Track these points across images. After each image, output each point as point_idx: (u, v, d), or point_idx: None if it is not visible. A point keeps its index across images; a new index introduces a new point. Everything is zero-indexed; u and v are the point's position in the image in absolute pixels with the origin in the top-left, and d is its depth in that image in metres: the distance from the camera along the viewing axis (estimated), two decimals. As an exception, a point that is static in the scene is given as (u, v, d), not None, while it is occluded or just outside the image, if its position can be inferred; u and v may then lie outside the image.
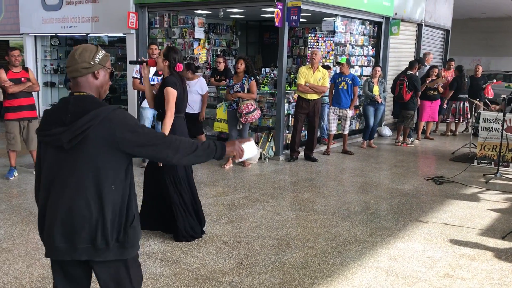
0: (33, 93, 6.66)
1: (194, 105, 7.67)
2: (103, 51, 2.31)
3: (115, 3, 9.94)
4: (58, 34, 11.96)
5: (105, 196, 2.16)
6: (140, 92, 7.48)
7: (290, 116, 8.55)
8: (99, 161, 2.15)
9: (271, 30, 13.82)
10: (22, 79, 6.43)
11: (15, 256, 4.11)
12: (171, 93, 4.43)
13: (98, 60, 2.26)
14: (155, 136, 2.22)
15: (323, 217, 5.30)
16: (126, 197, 2.23)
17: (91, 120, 2.11)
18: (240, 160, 2.50)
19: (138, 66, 7.25)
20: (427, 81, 10.01)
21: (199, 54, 9.78)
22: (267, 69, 10.19)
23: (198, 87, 7.63)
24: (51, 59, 12.60)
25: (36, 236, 4.54)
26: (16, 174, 6.67)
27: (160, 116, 4.62)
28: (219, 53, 11.72)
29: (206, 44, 10.19)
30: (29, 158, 7.31)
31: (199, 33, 9.67)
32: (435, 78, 10.13)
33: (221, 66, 9.33)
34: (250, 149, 2.51)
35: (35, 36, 12.25)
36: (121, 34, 10.82)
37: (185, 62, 7.71)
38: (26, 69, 6.59)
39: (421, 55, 12.10)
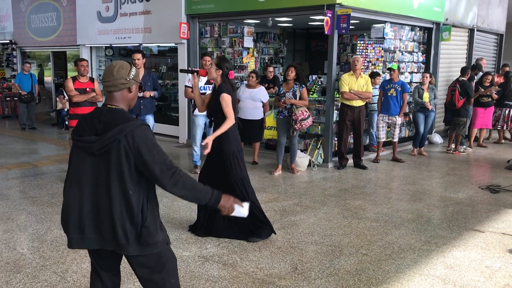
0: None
1: (256, 112, 7.88)
2: (135, 68, 2.60)
3: (167, 14, 10.29)
4: (113, 45, 12.47)
5: (125, 199, 2.45)
6: (192, 101, 7.69)
7: (338, 123, 8.57)
8: (121, 168, 2.42)
9: (318, 37, 13.88)
10: (88, 89, 6.80)
11: (81, 256, 4.34)
12: (228, 99, 4.63)
13: (132, 76, 2.56)
14: (163, 162, 2.44)
15: (375, 225, 5.29)
16: (141, 202, 2.49)
17: (118, 133, 2.40)
18: (225, 214, 2.67)
19: (190, 75, 7.50)
20: (480, 91, 9.80)
21: (248, 62, 9.95)
22: (314, 76, 10.25)
23: (261, 95, 7.86)
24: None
25: (99, 238, 4.78)
26: (77, 178, 7.02)
27: (212, 123, 4.82)
28: (266, 61, 11.87)
29: (254, 52, 10.36)
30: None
31: (248, 42, 9.85)
32: (488, 84, 9.90)
33: (270, 75, 9.49)
34: (240, 211, 2.69)
35: (91, 47, 12.83)
36: (172, 44, 11.17)
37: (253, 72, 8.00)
38: (92, 80, 6.97)
39: (473, 61, 11.82)
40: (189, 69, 4.75)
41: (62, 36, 13.46)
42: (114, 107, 2.53)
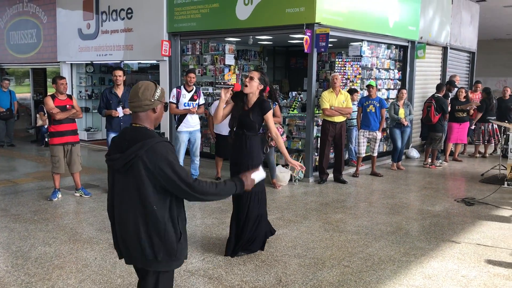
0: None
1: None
2: (160, 87, 2.69)
3: (149, 32, 10.41)
4: (94, 62, 12.51)
5: (149, 215, 2.52)
6: (176, 116, 7.79)
7: (318, 138, 8.75)
8: (144, 184, 2.50)
9: (297, 55, 14.15)
10: (68, 106, 6.83)
11: (67, 272, 4.36)
12: (272, 116, 4.76)
13: (157, 97, 2.64)
14: (186, 177, 2.52)
15: (356, 237, 5.43)
16: (170, 217, 2.57)
17: (138, 149, 2.48)
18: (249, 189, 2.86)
19: (174, 91, 7.61)
20: (459, 107, 10.15)
21: (230, 79, 10.10)
22: (294, 93, 10.45)
23: None
24: (86, 86, 13.16)
25: (84, 254, 4.81)
26: (60, 195, 7.01)
27: (239, 136, 4.74)
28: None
29: (236, 70, 10.52)
30: (70, 180, 7.65)
31: (230, 59, 10.01)
32: (463, 100, 10.24)
33: (267, 89, 9.64)
34: (259, 176, 2.92)
35: (71, 64, 12.84)
36: (154, 61, 11.27)
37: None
38: (70, 97, 6.99)
39: (447, 77, 12.22)
40: (226, 84, 4.69)
41: (42, 53, 13.44)
42: (138, 125, 2.63)
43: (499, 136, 11.08)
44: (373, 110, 8.72)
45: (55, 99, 6.81)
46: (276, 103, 7.62)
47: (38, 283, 4.11)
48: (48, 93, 14.21)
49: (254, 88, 4.59)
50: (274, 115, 7.48)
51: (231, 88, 4.57)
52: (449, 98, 10.53)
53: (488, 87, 11.41)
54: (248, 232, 4.75)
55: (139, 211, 2.52)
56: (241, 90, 4.64)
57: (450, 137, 10.41)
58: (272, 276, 4.35)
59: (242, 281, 4.24)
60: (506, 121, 10.36)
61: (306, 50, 8.24)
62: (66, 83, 6.89)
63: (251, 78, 4.59)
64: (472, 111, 10.36)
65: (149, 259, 2.56)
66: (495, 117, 10.90)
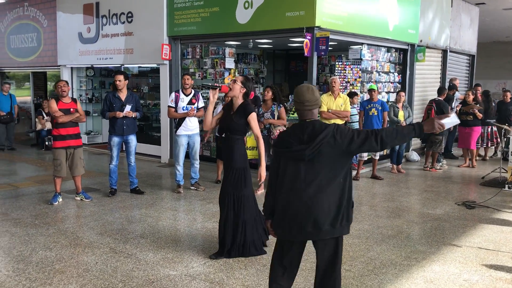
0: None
1: None
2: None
3: (149, 36, 10.42)
4: (94, 65, 12.52)
5: (337, 189, 2.97)
6: (175, 120, 7.79)
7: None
8: (330, 165, 2.96)
9: (297, 58, 14.18)
10: (71, 109, 6.82)
11: (68, 277, 4.36)
12: (256, 118, 4.80)
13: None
14: (365, 136, 2.97)
15: (357, 241, 5.43)
16: (347, 187, 3.02)
17: (323, 139, 2.93)
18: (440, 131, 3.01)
19: (173, 95, 7.61)
20: (463, 109, 10.09)
21: (230, 83, 10.10)
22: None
23: None
24: (86, 89, 13.17)
25: (85, 258, 4.80)
26: (60, 199, 7.00)
27: (226, 139, 4.83)
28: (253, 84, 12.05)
29: (236, 73, 10.53)
30: (70, 184, 7.65)
31: (230, 63, 10.03)
32: (472, 102, 10.16)
33: (251, 95, 9.64)
34: (451, 120, 3.01)
35: (72, 68, 12.85)
36: (154, 65, 11.28)
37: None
38: (75, 100, 6.99)
39: (447, 80, 12.24)
40: (212, 85, 4.78)
41: (42, 56, 13.45)
42: (311, 120, 3.05)
43: (499, 139, 11.08)
44: (375, 113, 8.73)
45: (59, 102, 6.79)
46: (281, 105, 7.67)
47: (39, 288, 4.10)
48: (49, 97, 14.26)
49: (236, 91, 4.71)
50: (279, 117, 7.54)
51: (218, 89, 4.69)
52: (454, 101, 10.55)
53: (488, 90, 11.41)
54: (239, 237, 4.80)
55: (330, 187, 2.94)
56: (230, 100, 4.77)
57: (459, 141, 10.44)
58: (274, 280, 4.33)
59: (243, 285, 4.24)
60: (506, 124, 10.37)
61: (306, 54, 8.25)
62: (65, 86, 6.83)
63: (234, 81, 4.74)
64: (476, 112, 10.13)
65: (337, 228, 2.98)
66: (494, 120, 10.89)
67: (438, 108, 9.65)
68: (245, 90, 4.75)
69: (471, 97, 10.23)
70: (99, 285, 4.18)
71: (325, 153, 2.94)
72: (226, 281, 4.31)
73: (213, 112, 4.99)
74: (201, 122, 8.95)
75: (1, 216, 6.27)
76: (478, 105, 10.16)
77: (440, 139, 9.79)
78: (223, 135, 4.92)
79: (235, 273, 4.50)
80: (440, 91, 10.16)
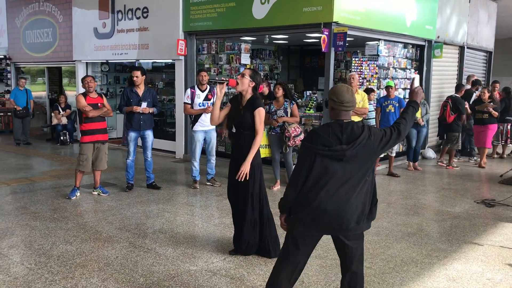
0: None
1: None
2: None
3: (165, 31, 10.42)
4: (109, 61, 12.56)
5: (366, 187, 3.07)
6: (192, 116, 7.77)
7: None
8: (363, 165, 3.05)
9: (312, 54, 14.11)
10: (99, 104, 6.86)
11: (89, 270, 4.37)
12: (264, 114, 4.64)
13: None
14: (390, 133, 3.14)
15: (377, 239, 5.39)
16: (371, 184, 3.13)
17: (362, 140, 3.03)
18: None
19: (188, 92, 7.60)
20: (477, 108, 9.94)
21: (237, 77, 10.07)
22: (309, 92, 10.41)
23: None
24: (101, 84, 13.20)
25: (105, 253, 4.82)
26: (78, 194, 7.04)
27: (237, 135, 4.69)
28: (262, 77, 12.02)
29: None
30: (87, 178, 7.70)
31: (245, 58, 9.99)
32: (488, 100, 9.96)
33: (266, 90, 9.59)
34: (418, 81, 3.41)
35: (87, 63, 12.90)
36: (169, 60, 11.28)
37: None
38: (101, 95, 7.03)
39: (464, 77, 12.10)
40: (219, 79, 4.69)
41: (57, 51, 13.52)
42: (349, 120, 3.13)
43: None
44: (392, 110, 8.66)
45: (87, 97, 6.84)
46: (294, 102, 7.62)
47: (62, 282, 4.12)
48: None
49: (245, 85, 4.56)
50: (292, 114, 7.49)
51: (225, 83, 4.56)
52: (472, 96, 10.43)
53: (508, 86, 11.25)
54: (245, 235, 4.69)
55: (360, 186, 3.02)
56: (240, 93, 4.63)
57: (475, 139, 10.29)
58: (294, 277, 4.31)
59: (264, 281, 4.21)
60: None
61: (323, 50, 8.19)
62: (92, 81, 6.88)
63: (242, 75, 4.60)
64: (491, 110, 9.97)
65: (361, 224, 3.07)
66: None
67: (453, 105, 9.54)
68: (254, 83, 4.60)
69: (487, 95, 10.02)
70: (121, 280, 4.19)
71: (360, 154, 3.03)
72: (247, 277, 4.30)
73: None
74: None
75: (21, 210, 6.32)
76: (492, 103, 9.96)
77: (456, 136, 9.68)
78: (234, 132, 4.74)
79: (256, 269, 4.49)
80: (457, 88, 10.06)
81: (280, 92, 7.49)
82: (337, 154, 3.01)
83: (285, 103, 7.51)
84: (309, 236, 3.16)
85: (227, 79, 4.69)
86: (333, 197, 3.00)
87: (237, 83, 4.57)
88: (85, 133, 6.88)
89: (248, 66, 10.16)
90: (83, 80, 6.95)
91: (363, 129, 3.08)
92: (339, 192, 3.00)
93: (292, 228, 3.16)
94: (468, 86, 11.27)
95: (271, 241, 4.77)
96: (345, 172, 3.01)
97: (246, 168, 4.53)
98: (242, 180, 4.54)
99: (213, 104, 7.59)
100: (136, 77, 7.26)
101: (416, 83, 3.37)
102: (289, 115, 7.48)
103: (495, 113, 9.90)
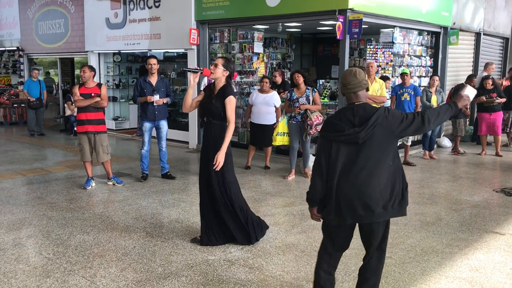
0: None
1: (269, 117, 7.96)
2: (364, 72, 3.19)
3: (177, 20, 10.35)
4: (121, 51, 12.53)
5: (388, 172, 2.96)
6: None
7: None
8: (382, 148, 2.96)
9: (325, 42, 13.95)
10: (93, 94, 6.78)
11: (107, 260, 4.37)
12: (234, 102, 4.61)
13: (366, 78, 3.20)
14: (413, 117, 3.02)
15: (395, 228, 5.31)
16: (398, 170, 3.02)
17: (375, 121, 2.94)
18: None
19: (205, 80, 7.55)
20: (481, 99, 9.71)
21: (258, 68, 10.00)
22: (322, 81, 10.29)
23: (274, 99, 7.95)
24: (113, 75, 13.20)
25: (123, 243, 4.81)
26: (94, 184, 7.04)
27: (207, 124, 4.64)
28: (274, 66, 11.92)
29: (264, 57, 10.40)
30: (101, 169, 7.70)
31: (258, 47, 9.89)
32: (491, 87, 9.76)
33: (278, 80, 9.51)
34: (469, 89, 3.22)
35: (99, 53, 12.89)
36: (181, 50, 11.22)
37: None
38: (99, 85, 6.92)
39: (480, 64, 11.90)
40: (193, 68, 4.64)
41: (70, 42, 13.52)
42: (361, 102, 3.06)
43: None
44: (408, 98, 8.53)
45: (82, 87, 6.79)
46: (316, 90, 7.54)
47: (81, 271, 4.12)
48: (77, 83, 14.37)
49: (219, 75, 4.56)
50: (314, 102, 7.40)
51: (199, 72, 4.54)
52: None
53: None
54: (230, 223, 4.68)
55: (381, 170, 2.93)
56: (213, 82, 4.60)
57: (481, 128, 9.98)
58: (313, 267, 4.19)
59: (283, 271, 4.18)
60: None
61: (338, 37, 8.07)
62: (85, 71, 6.72)
63: (215, 65, 4.57)
64: (500, 100, 9.66)
65: (389, 210, 2.96)
66: None
67: (455, 91, 9.46)
68: (228, 72, 4.60)
69: (490, 82, 9.78)
70: (139, 269, 4.17)
71: (376, 135, 2.95)
72: (265, 267, 4.26)
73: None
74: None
75: (37, 200, 6.34)
76: (496, 92, 9.75)
77: (456, 121, 9.77)
78: (205, 121, 4.70)
79: (274, 258, 4.45)
80: (469, 78, 10.05)
81: (301, 79, 7.40)
82: (350, 137, 2.96)
83: (307, 90, 7.42)
84: (340, 225, 3.11)
85: (201, 68, 4.63)
86: (353, 182, 2.94)
87: (211, 73, 4.55)
88: (77, 123, 6.93)
89: (261, 55, 10.07)
90: (80, 69, 6.90)
91: (376, 109, 3.01)
92: (359, 177, 2.93)
93: (326, 219, 3.15)
94: (485, 73, 11.06)
95: (250, 226, 4.72)
96: (363, 155, 2.95)
97: (221, 158, 4.49)
98: (218, 170, 4.49)
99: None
100: (154, 64, 7.23)
101: (468, 92, 3.19)
102: (311, 102, 7.40)
103: (502, 100, 9.72)
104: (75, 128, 12.07)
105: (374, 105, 3.35)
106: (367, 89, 3.17)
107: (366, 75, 8.01)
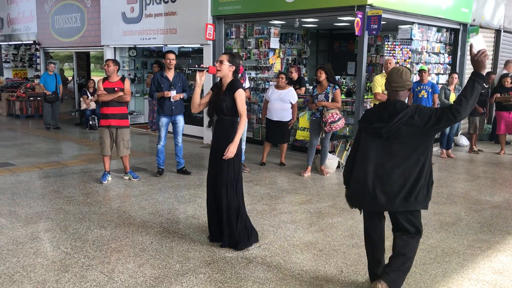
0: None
1: (285, 114, 7.91)
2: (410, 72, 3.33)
3: (193, 15, 10.31)
4: (137, 46, 12.53)
5: (415, 166, 3.14)
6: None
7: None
8: (408, 143, 3.14)
9: (341, 38, 13.82)
10: (116, 89, 6.80)
11: (125, 256, 4.35)
12: (244, 95, 4.51)
13: (412, 79, 3.20)
14: (441, 112, 3.08)
15: (415, 228, 5.22)
16: (426, 165, 3.18)
17: (401, 118, 3.11)
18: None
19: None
20: (495, 97, 9.56)
21: (274, 63, 9.93)
22: (338, 77, 10.20)
23: (290, 96, 7.88)
24: (128, 69, 13.22)
25: (140, 238, 4.79)
26: (110, 178, 7.04)
27: (218, 122, 4.54)
28: (290, 62, 11.84)
29: (280, 53, 10.32)
30: (118, 163, 7.71)
31: (275, 42, 9.82)
32: (510, 86, 9.62)
33: (294, 75, 9.43)
34: (479, 43, 3.05)
35: (115, 48, 12.91)
36: (196, 45, 11.18)
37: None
38: (123, 79, 6.94)
39: (499, 62, 11.69)
40: (199, 67, 4.55)
41: (86, 36, 13.57)
42: (395, 99, 3.26)
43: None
44: (425, 96, 8.41)
45: (105, 81, 6.81)
46: (337, 87, 7.46)
47: (99, 267, 4.11)
48: (93, 77, 14.44)
49: (226, 71, 4.44)
50: (334, 99, 7.33)
51: (206, 70, 4.44)
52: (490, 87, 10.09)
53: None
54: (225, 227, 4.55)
55: (407, 164, 3.14)
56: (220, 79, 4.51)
57: (499, 127, 9.83)
58: (332, 266, 4.22)
59: (302, 270, 4.13)
60: None
61: (357, 33, 7.96)
62: (109, 65, 6.76)
63: (221, 62, 4.46)
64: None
65: (411, 201, 3.18)
66: None
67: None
68: (234, 67, 4.48)
69: (509, 80, 9.63)
70: (157, 266, 4.15)
71: (403, 131, 3.14)
72: (283, 265, 4.22)
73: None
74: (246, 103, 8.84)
75: (54, 194, 6.36)
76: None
77: (470, 119, 9.71)
78: (216, 119, 4.56)
79: (292, 257, 4.40)
80: (487, 75, 9.77)
81: (323, 76, 7.34)
82: (375, 131, 3.21)
83: (328, 87, 7.36)
84: (366, 210, 3.45)
85: (207, 66, 4.52)
86: (376, 171, 3.18)
87: (218, 70, 4.44)
88: (100, 116, 6.95)
89: (277, 51, 9.99)
90: (104, 63, 6.93)
91: (406, 107, 3.15)
92: (382, 167, 3.18)
93: (349, 202, 3.48)
94: (505, 71, 10.86)
95: (241, 232, 4.56)
96: (387, 148, 3.18)
97: (233, 148, 4.37)
98: (228, 158, 4.39)
99: (243, 89, 7.52)
100: (172, 59, 7.23)
101: (477, 47, 2.94)
102: (330, 100, 7.33)
103: None
104: (91, 122, 12.25)
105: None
106: (409, 89, 3.34)
107: (384, 72, 7.93)
